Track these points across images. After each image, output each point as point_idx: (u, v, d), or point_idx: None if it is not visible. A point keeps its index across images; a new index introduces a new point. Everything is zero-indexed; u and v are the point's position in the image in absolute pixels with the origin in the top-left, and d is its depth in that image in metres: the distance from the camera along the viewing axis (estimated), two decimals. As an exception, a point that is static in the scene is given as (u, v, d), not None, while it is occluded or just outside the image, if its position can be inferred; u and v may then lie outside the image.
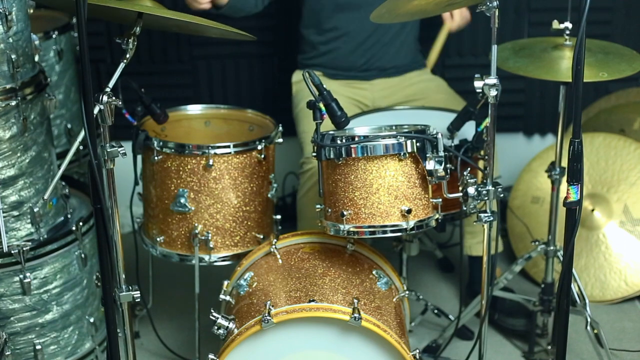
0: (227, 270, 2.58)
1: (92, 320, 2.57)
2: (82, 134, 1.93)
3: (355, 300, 2.14)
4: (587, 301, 2.67)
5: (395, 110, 2.94)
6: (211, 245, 2.60)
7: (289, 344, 2.13)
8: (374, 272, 2.37)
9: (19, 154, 2.33)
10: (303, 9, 3.12)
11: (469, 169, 2.36)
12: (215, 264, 2.63)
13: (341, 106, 2.25)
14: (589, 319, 2.63)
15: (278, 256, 2.41)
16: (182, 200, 2.56)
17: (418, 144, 2.18)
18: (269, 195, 2.67)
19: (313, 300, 2.13)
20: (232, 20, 2.84)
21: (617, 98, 3.51)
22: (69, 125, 3.06)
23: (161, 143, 2.56)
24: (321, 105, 2.22)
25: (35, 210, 2.39)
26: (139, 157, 2.67)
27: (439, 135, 2.20)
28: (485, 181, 2.26)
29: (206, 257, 2.62)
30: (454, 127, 2.49)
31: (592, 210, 3.17)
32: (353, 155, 2.18)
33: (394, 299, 2.36)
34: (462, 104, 2.98)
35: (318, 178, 2.28)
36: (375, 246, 2.50)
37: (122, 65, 2.08)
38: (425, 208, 2.24)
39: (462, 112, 2.48)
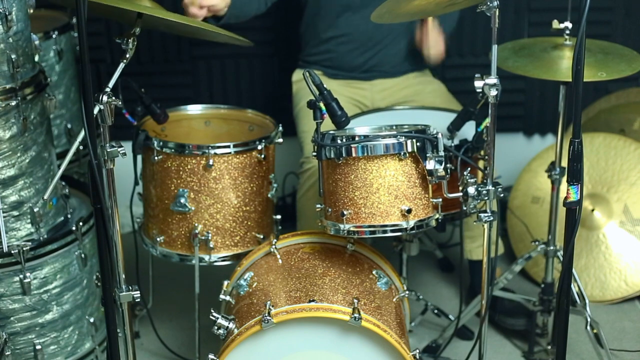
0: (227, 270, 2.58)
1: (92, 320, 2.57)
2: (82, 134, 1.93)
3: (355, 300, 2.14)
4: (587, 301, 2.67)
5: (396, 110, 2.94)
6: (211, 245, 2.60)
7: (289, 344, 2.13)
8: (374, 272, 2.37)
9: (19, 154, 2.33)
10: (305, 9, 3.13)
11: (469, 168, 2.36)
12: (215, 264, 2.63)
13: (341, 106, 2.25)
14: (589, 319, 2.64)
15: (278, 256, 2.41)
16: (182, 200, 2.56)
17: (418, 144, 2.18)
18: (269, 195, 2.67)
19: (313, 300, 2.13)
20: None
21: (617, 98, 3.51)
22: (69, 125, 3.06)
23: (161, 143, 2.56)
24: (321, 104, 2.22)
25: (35, 210, 2.39)
26: (139, 157, 2.67)
27: (439, 135, 2.20)
28: (485, 181, 2.26)
29: (206, 257, 2.62)
30: (454, 127, 2.49)
31: (592, 210, 3.17)
32: (353, 155, 2.18)
33: (394, 299, 2.36)
34: (457, 106, 2.99)
35: (318, 178, 2.28)
36: (375, 246, 2.50)
37: (122, 65, 2.08)
38: (425, 208, 2.24)
39: (462, 112, 2.48)
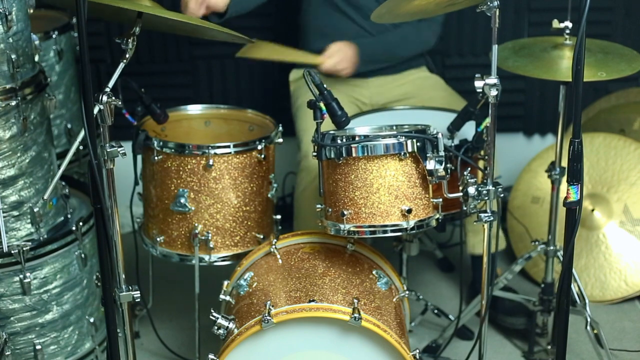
0: (227, 270, 2.58)
1: (92, 320, 2.57)
2: (82, 134, 1.93)
3: (355, 300, 2.14)
4: (587, 301, 2.67)
5: (396, 110, 2.95)
6: (211, 245, 2.60)
7: (289, 344, 2.13)
8: (374, 272, 2.37)
9: (19, 154, 2.33)
10: (302, 9, 3.13)
11: (469, 168, 2.36)
12: (215, 264, 2.63)
13: (342, 106, 2.25)
14: (589, 319, 2.64)
15: (278, 256, 2.41)
16: (182, 200, 2.56)
17: (418, 144, 2.18)
18: (269, 195, 2.67)
19: (313, 300, 2.13)
20: (231, 21, 2.84)
21: (617, 98, 3.51)
22: (69, 125, 3.06)
23: (161, 143, 2.56)
24: (322, 104, 2.22)
25: (35, 210, 2.39)
26: (139, 157, 2.67)
27: (440, 135, 2.20)
28: (485, 181, 2.26)
29: (206, 257, 2.62)
30: (454, 127, 2.49)
31: (592, 210, 3.17)
32: (353, 155, 2.18)
33: (394, 299, 2.36)
34: (460, 102, 3.00)
35: (318, 178, 2.28)
36: (375, 246, 2.50)
37: (122, 65, 2.08)
38: (425, 208, 2.24)
39: (462, 112, 2.48)
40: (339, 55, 2.91)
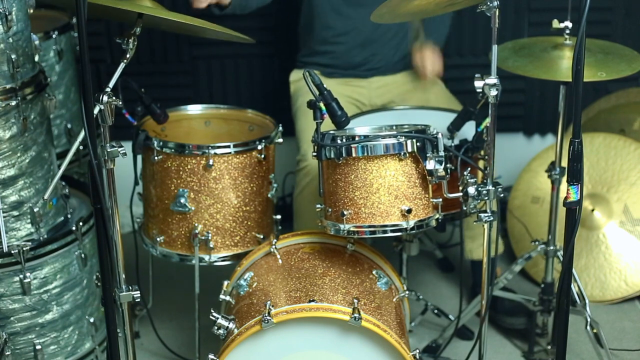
0: (227, 270, 2.58)
1: (92, 320, 2.57)
2: (82, 134, 1.93)
3: (355, 300, 2.14)
4: (587, 301, 2.67)
5: (396, 110, 2.95)
6: (211, 245, 2.60)
7: (289, 344, 2.13)
8: (374, 272, 2.37)
9: (19, 154, 2.33)
10: (302, 9, 3.13)
11: (469, 168, 2.36)
12: (215, 264, 2.64)
13: (341, 106, 2.25)
14: (589, 319, 2.64)
15: (278, 256, 2.41)
16: (182, 200, 2.56)
17: (418, 144, 2.18)
18: (269, 195, 2.67)
19: (313, 300, 2.13)
20: (231, 22, 2.84)
21: (617, 98, 3.51)
22: (69, 125, 3.06)
23: (161, 143, 2.56)
24: (321, 104, 2.22)
25: (35, 210, 2.39)
26: (139, 157, 2.68)
27: (439, 135, 2.20)
28: (485, 181, 2.26)
29: (206, 257, 2.62)
30: (454, 127, 2.49)
31: (592, 210, 3.17)
32: (353, 155, 2.18)
33: (394, 299, 2.36)
34: (456, 104, 2.99)
35: (318, 178, 2.28)
36: (375, 246, 2.50)
37: (122, 65, 2.08)
38: (425, 208, 2.24)
39: (462, 112, 2.48)
40: (429, 62, 3.02)
